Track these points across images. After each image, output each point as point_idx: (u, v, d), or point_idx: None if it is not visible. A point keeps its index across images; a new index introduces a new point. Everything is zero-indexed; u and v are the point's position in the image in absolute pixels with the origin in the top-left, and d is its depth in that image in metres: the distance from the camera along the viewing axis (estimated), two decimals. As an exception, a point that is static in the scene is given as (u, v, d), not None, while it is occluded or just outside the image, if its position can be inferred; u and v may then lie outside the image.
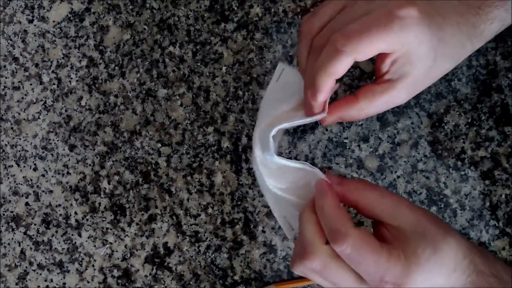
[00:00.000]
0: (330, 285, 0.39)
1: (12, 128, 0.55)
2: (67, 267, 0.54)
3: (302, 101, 0.43)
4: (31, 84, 0.55)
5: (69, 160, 0.55)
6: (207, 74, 0.54)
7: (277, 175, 0.43)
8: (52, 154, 0.55)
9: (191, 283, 0.53)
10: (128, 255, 0.54)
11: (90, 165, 0.54)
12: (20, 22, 0.55)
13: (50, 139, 0.55)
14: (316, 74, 0.38)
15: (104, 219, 0.54)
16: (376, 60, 0.40)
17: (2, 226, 0.55)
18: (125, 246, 0.54)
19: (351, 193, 0.40)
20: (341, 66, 0.37)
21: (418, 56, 0.39)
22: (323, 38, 0.39)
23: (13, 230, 0.55)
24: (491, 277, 0.38)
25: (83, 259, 0.54)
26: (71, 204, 0.54)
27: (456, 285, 0.38)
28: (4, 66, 0.55)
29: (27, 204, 0.55)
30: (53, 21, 0.55)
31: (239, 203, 0.53)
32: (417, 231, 0.38)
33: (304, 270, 0.39)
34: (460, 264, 0.38)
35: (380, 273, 0.36)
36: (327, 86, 0.39)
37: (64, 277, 0.54)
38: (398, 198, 0.40)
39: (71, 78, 0.55)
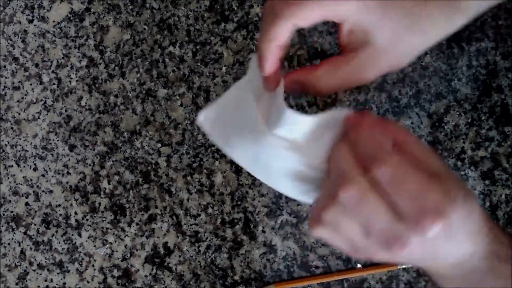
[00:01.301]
0: (361, 224, 0.35)
1: (12, 128, 0.55)
2: (67, 267, 0.54)
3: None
4: (31, 84, 0.55)
5: (69, 160, 0.55)
6: (207, 74, 0.54)
7: (293, 130, 0.39)
8: (52, 154, 0.55)
9: (191, 283, 0.53)
10: (128, 255, 0.54)
11: (90, 165, 0.54)
12: (20, 22, 0.55)
13: (50, 139, 0.55)
14: (259, 41, 0.38)
15: (104, 219, 0.54)
16: (337, 35, 0.39)
17: (2, 226, 0.55)
18: (125, 246, 0.54)
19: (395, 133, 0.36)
20: (280, 31, 0.37)
21: (373, 25, 0.38)
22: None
23: (13, 230, 0.55)
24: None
25: (83, 259, 0.54)
26: (71, 204, 0.54)
27: (478, 253, 0.36)
28: (4, 66, 0.55)
29: (27, 204, 0.55)
30: (53, 21, 0.55)
31: (239, 203, 0.53)
32: (454, 177, 0.35)
33: (332, 214, 0.35)
34: (483, 228, 0.36)
35: (422, 199, 0.33)
36: (270, 53, 0.37)
37: (64, 277, 0.54)
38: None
39: (71, 78, 0.55)
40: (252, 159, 0.41)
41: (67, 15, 0.55)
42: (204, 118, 0.42)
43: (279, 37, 0.37)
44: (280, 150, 0.39)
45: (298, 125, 0.38)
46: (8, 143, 0.55)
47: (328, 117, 0.38)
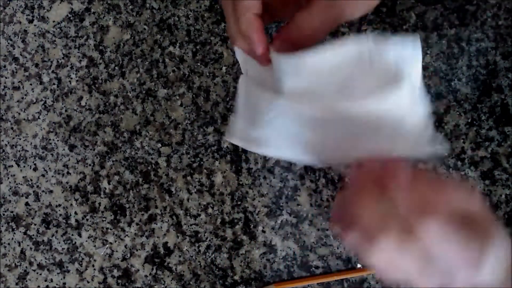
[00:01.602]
0: (396, 274, 0.36)
1: (12, 128, 0.55)
2: (67, 267, 0.54)
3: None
4: (31, 84, 0.55)
5: (69, 160, 0.55)
6: (207, 74, 0.54)
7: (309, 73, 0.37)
8: (52, 154, 0.55)
9: (191, 283, 0.53)
10: (128, 255, 0.54)
11: (90, 165, 0.54)
12: (20, 22, 0.55)
13: (50, 139, 0.55)
14: (237, 16, 0.37)
15: (104, 219, 0.54)
16: None
17: (2, 226, 0.55)
18: (125, 246, 0.54)
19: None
20: None
21: None
22: None
23: (13, 230, 0.55)
24: None
25: (83, 259, 0.54)
26: (71, 204, 0.54)
27: None
28: (4, 66, 0.55)
29: (27, 204, 0.55)
30: (53, 21, 0.55)
31: (239, 203, 0.53)
32: (490, 223, 0.37)
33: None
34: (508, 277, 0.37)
35: (458, 255, 0.35)
36: (255, 25, 0.37)
37: (64, 277, 0.54)
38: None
39: (71, 78, 0.55)
40: (287, 136, 0.40)
41: (67, 15, 0.55)
42: (233, 136, 0.42)
43: (253, 3, 0.36)
44: (297, 105, 0.38)
45: (301, 65, 0.37)
46: (8, 143, 0.55)
47: (341, 49, 0.36)
